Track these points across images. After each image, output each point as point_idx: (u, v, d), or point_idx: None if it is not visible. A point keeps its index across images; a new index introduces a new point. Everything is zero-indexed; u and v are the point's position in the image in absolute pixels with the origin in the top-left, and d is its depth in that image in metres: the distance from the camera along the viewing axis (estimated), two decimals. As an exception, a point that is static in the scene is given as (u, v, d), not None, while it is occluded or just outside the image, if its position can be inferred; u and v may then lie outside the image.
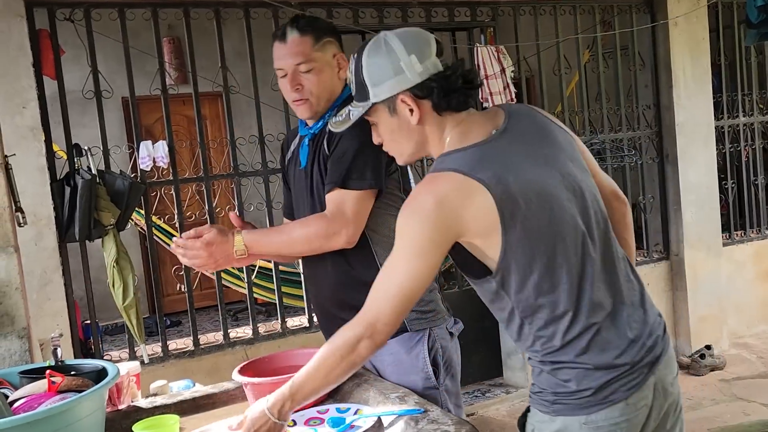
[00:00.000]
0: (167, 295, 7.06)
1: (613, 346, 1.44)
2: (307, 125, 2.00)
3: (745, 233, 5.40)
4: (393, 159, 1.73)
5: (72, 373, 1.66)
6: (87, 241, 3.39)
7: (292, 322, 4.01)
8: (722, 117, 5.21)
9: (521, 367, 4.47)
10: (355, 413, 1.69)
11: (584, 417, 1.43)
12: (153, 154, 3.50)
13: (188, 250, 1.89)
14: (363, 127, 1.69)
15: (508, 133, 1.48)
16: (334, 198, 1.82)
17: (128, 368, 1.94)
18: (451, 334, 1.96)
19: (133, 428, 1.53)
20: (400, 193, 1.94)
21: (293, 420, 1.71)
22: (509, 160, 1.44)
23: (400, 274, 1.43)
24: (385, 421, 1.64)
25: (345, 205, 1.80)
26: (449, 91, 1.48)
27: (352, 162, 1.80)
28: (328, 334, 1.90)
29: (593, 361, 1.43)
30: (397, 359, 1.91)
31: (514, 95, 4.24)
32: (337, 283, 1.93)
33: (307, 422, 1.70)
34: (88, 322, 3.59)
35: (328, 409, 1.75)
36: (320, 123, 1.94)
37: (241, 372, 1.87)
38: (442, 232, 1.40)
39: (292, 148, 2.09)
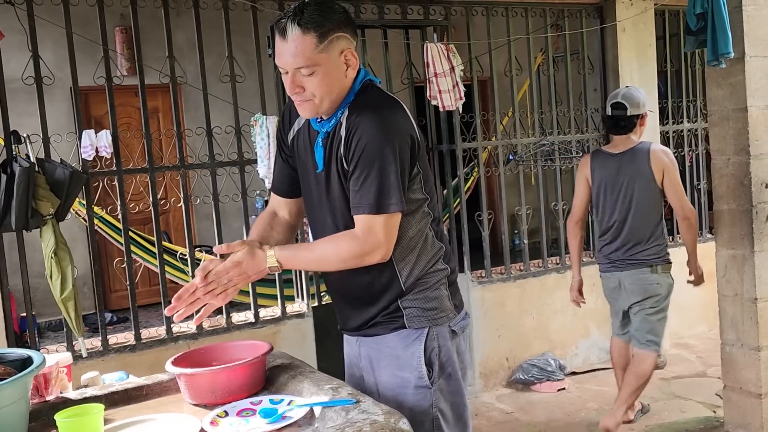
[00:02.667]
0: (115, 290, 6.93)
1: None
2: (319, 120, 1.87)
3: (687, 236, 5.52)
4: (416, 164, 1.81)
5: (-5, 361, 1.61)
6: (27, 233, 3.30)
7: (238, 317, 3.97)
8: (667, 122, 5.34)
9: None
10: (288, 404, 1.68)
11: None
12: (96, 143, 3.42)
13: (219, 277, 1.80)
14: (380, 134, 1.71)
15: None
16: (365, 222, 1.77)
17: (58, 359, 1.90)
18: (453, 332, 1.93)
19: (56, 417, 1.49)
20: (423, 193, 1.88)
21: (225, 411, 1.69)
22: None
23: None
24: (317, 411, 1.64)
25: (376, 228, 1.76)
26: None
27: (379, 187, 1.74)
28: (347, 312, 1.98)
29: None
30: (394, 354, 1.90)
31: (462, 94, 4.27)
32: (351, 279, 1.90)
33: (239, 413, 1.69)
34: (25, 315, 3.50)
35: (261, 401, 1.73)
36: (333, 121, 1.83)
37: (176, 363, 1.84)
38: None
39: (296, 127, 1.96)
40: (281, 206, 2.07)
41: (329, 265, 1.87)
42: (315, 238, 1.97)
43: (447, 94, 4.15)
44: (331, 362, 3.86)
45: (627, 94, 3.63)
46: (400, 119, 1.80)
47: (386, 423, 1.48)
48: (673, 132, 5.39)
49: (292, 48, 1.73)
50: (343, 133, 1.79)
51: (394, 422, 1.50)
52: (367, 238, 1.77)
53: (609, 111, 3.66)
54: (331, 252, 1.82)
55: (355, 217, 1.79)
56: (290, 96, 1.82)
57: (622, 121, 3.60)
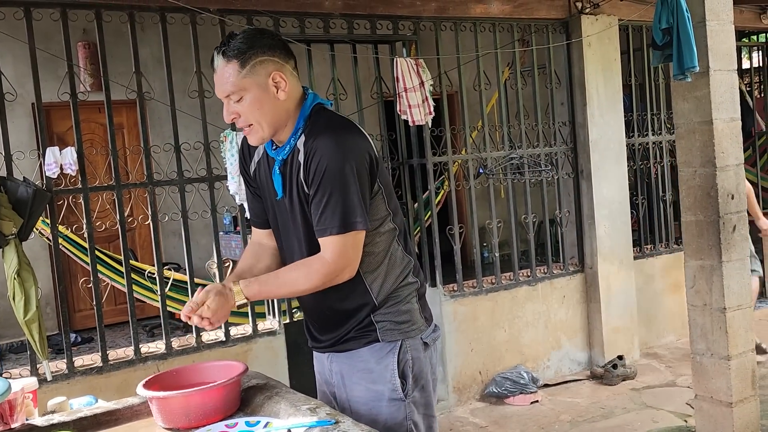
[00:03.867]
0: (80, 310, 6.78)
1: None
2: (274, 147, 1.89)
3: (654, 247, 5.62)
4: (376, 181, 1.81)
5: (-43, 389, 1.54)
6: (-13, 252, 3.20)
7: (208, 336, 3.89)
8: (633, 135, 5.43)
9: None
10: (265, 426, 1.64)
11: None
12: (60, 160, 3.34)
13: (196, 323, 1.80)
14: (338, 155, 1.72)
15: None
16: (333, 243, 1.78)
17: (23, 384, 1.83)
18: (425, 344, 1.94)
19: (24, 447, 1.43)
20: (386, 209, 1.89)
21: (200, 435, 1.65)
22: None
23: None
24: (296, 433, 1.60)
25: (345, 247, 1.78)
26: None
27: (342, 207, 1.75)
28: (319, 328, 1.98)
29: None
30: (367, 367, 1.90)
31: (432, 109, 4.28)
32: (324, 297, 1.88)
33: (214, 437, 1.64)
34: (-13, 337, 3.39)
35: (237, 423, 1.69)
36: (287, 148, 1.84)
37: (147, 386, 1.79)
38: None
39: (256, 158, 1.97)
40: (264, 236, 2.08)
41: (300, 291, 1.88)
42: (286, 263, 1.98)
43: (417, 108, 4.15)
44: (303, 379, 3.81)
45: None
46: (356, 138, 1.81)
47: (367, 444, 1.46)
48: (639, 144, 5.47)
49: (219, 77, 1.80)
50: (301, 159, 1.81)
51: (375, 443, 1.47)
52: (337, 260, 1.78)
53: None
54: (301, 278, 1.83)
55: (321, 239, 1.80)
56: (228, 123, 1.84)
57: None
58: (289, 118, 1.84)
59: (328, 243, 1.79)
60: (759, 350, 4.46)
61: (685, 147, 3.48)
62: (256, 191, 2.03)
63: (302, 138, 1.82)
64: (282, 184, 1.88)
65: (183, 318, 1.79)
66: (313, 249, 1.83)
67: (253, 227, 2.11)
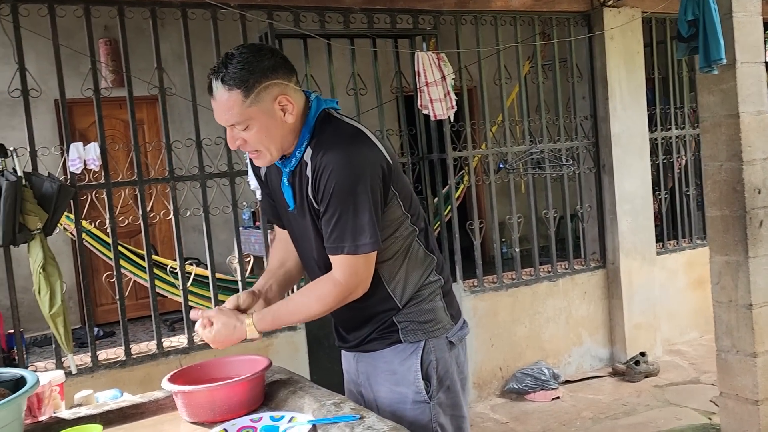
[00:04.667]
0: (101, 305, 6.84)
1: None
2: (280, 159, 1.82)
3: (677, 243, 5.56)
4: (389, 189, 1.75)
5: (-14, 382, 1.56)
6: (13, 247, 3.23)
7: (230, 330, 3.90)
8: (656, 129, 5.36)
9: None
10: (290, 421, 1.64)
11: None
12: (84, 156, 3.37)
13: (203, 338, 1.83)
14: (349, 172, 1.66)
15: None
16: (344, 264, 1.73)
17: (50, 378, 1.84)
18: (451, 343, 1.89)
19: (52, 439, 1.45)
20: (403, 212, 1.82)
21: (225, 429, 1.65)
22: None
23: None
24: (321, 428, 1.60)
25: (356, 267, 1.73)
26: None
27: (353, 227, 1.69)
28: (344, 328, 1.96)
29: None
30: (390, 368, 1.87)
31: (454, 103, 4.26)
32: (348, 310, 1.86)
33: (239, 431, 1.64)
34: (12, 332, 3.42)
35: (262, 417, 1.69)
36: (294, 161, 1.78)
37: (172, 380, 1.79)
38: None
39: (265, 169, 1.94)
40: (287, 235, 2.04)
41: (315, 316, 1.84)
42: (305, 267, 1.98)
43: (438, 103, 4.13)
44: (324, 375, 3.82)
45: None
46: (366, 151, 1.72)
47: (393, 439, 1.45)
48: (662, 139, 5.41)
49: (220, 105, 1.70)
50: (309, 173, 1.74)
51: (401, 438, 1.46)
52: (349, 280, 1.75)
53: None
54: (314, 303, 1.80)
55: (331, 257, 1.75)
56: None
57: None
58: (296, 137, 1.77)
59: (338, 262, 1.74)
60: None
61: (710, 141, 3.44)
62: (270, 194, 1.99)
63: (308, 151, 1.75)
64: (292, 196, 1.83)
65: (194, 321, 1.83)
66: (326, 259, 1.79)
67: (275, 224, 2.09)
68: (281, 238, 2.06)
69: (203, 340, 1.90)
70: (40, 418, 1.76)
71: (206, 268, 4.02)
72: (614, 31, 4.93)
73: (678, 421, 4.02)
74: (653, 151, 5.33)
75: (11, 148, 3.27)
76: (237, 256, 3.97)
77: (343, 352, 2.05)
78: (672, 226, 5.59)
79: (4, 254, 3.28)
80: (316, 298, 1.79)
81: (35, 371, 2.41)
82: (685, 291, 5.51)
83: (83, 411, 1.82)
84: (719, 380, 3.55)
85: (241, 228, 5.50)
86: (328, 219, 1.72)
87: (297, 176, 1.80)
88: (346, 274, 1.74)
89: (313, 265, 1.89)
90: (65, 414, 1.80)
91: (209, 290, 3.94)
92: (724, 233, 3.42)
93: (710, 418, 3.98)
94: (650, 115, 5.28)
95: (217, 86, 1.68)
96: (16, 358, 3.41)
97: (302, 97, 1.78)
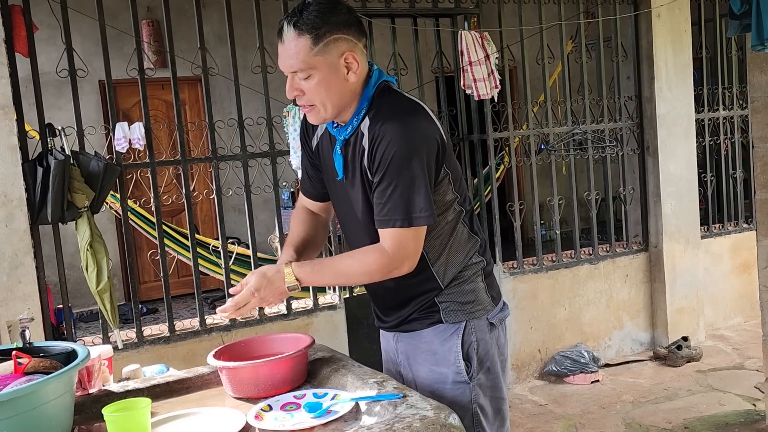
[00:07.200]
0: (144, 282, 6.98)
1: None
2: (335, 125, 1.81)
3: (723, 226, 5.44)
4: (442, 167, 1.74)
5: (40, 354, 1.60)
6: (61, 224, 3.31)
7: (270, 309, 3.96)
8: (702, 110, 5.23)
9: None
10: (333, 398, 1.66)
11: None
12: (129, 135, 3.42)
13: (241, 305, 1.77)
14: (407, 144, 1.64)
15: None
16: (394, 236, 1.71)
17: (100, 352, 1.89)
18: (492, 325, 1.88)
19: (103, 411, 1.48)
20: (453, 192, 1.81)
21: (269, 405, 1.68)
22: None
23: None
24: (363, 406, 1.61)
25: (406, 241, 1.72)
26: None
27: (408, 200, 1.68)
28: (384, 308, 1.96)
29: None
30: (431, 349, 1.87)
31: (498, 82, 4.21)
32: (390, 289, 1.86)
33: (283, 407, 1.67)
34: (61, 307, 3.52)
35: (305, 394, 1.71)
36: (350, 128, 1.77)
37: (217, 356, 1.83)
38: None
39: (319, 132, 1.92)
40: (314, 207, 2.05)
41: (354, 281, 1.86)
42: (347, 241, 1.96)
43: (482, 82, 4.08)
44: (363, 354, 3.84)
45: None
46: (424, 124, 1.72)
47: (436, 418, 1.45)
48: (709, 120, 5.28)
49: (287, 50, 1.69)
50: (366, 143, 1.73)
51: (444, 417, 1.47)
52: (397, 253, 1.73)
53: None
54: (357, 267, 1.78)
55: (381, 230, 1.74)
56: (290, 99, 1.78)
57: None
58: (354, 99, 1.75)
59: (388, 234, 1.72)
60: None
61: (761, 122, 3.34)
62: (315, 164, 1.97)
63: (366, 121, 1.74)
64: (343, 166, 1.81)
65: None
66: (373, 233, 1.77)
67: (302, 194, 2.06)
68: (308, 207, 2.05)
69: (243, 316, 1.88)
70: (90, 391, 1.81)
71: (247, 248, 4.07)
72: (661, 9, 4.80)
73: (721, 407, 3.96)
74: (699, 133, 5.21)
75: (59, 128, 3.34)
76: (278, 235, 4.01)
77: (382, 332, 2.06)
78: (717, 210, 5.47)
79: (53, 231, 3.36)
80: (362, 264, 1.77)
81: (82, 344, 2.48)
82: (730, 275, 5.40)
83: (131, 385, 1.87)
84: (765, 366, 3.48)
85: (282, 209, 5.55)
86: (382, 191, 1.71)
87: (351, 146, 1.79)
88: (395, 246, 1.72)
89: (360, 237, 1.86)
90: (114, 387, 1.85)
91: (251, 269, 3.99)
92: (773, 217, 3.33)
93: (754, 405, 3.91)
94: (697, 96, 5.15)
95: (288, 30, 1.68)
96: (65, 332, 3.50)
97: (367, 63, 1.78)
